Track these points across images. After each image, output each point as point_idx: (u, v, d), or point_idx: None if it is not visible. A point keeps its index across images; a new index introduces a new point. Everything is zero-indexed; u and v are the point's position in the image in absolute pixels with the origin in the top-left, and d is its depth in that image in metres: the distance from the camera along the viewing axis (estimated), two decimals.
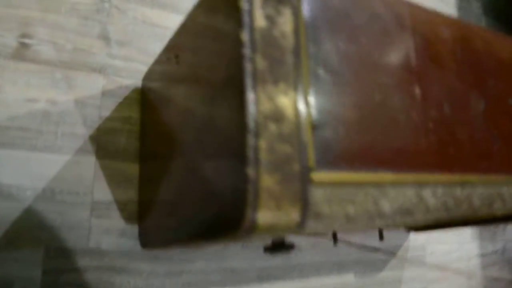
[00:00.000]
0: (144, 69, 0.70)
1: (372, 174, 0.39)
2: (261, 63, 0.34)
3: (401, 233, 0.89)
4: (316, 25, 0.38)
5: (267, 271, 0.74)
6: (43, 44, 0.64)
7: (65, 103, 0.64)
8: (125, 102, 0.68)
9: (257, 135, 0.33)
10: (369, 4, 0.41)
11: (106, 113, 0.66)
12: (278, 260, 0.76)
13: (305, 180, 0.35)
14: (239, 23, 0.34)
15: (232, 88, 0.34)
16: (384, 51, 0.41)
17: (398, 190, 0.42)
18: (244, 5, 0.34)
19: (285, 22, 0.36)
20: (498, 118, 0.49)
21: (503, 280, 1.04)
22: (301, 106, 0.35)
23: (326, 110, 0.37)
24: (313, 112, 0.36)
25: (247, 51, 0.33)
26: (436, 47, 0.45)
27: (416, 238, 0.91)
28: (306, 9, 0.38)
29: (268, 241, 0.65)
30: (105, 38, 0.69)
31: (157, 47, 0.73)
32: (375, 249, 0.79)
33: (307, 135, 0.35)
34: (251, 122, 0.32)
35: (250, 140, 0.32)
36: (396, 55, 0.42)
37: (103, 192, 0.64)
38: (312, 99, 0.36)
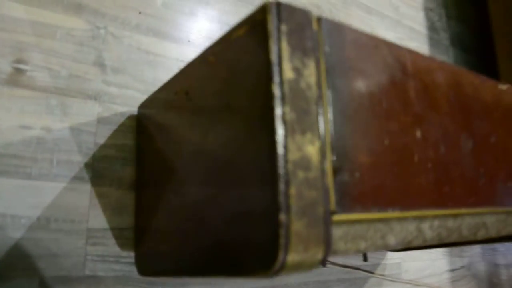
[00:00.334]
0: (138, 96, 0.71)
1: (382, 213, 0.42)
2: (290, 114, 0.36)
3: (380, 252, 0.94)
4: (334, 76, 0.41)
5: None
6: (38, 70, 0.64)
7: (60, 130, 0.64)
8: (120, 129, 0.68)
9: (287, 183, 0.35)
10: (379, 54, 0.45)
11: (102, 140, 0.66)
12: (265, 282, 0.78)
13: (327, 222, 0.37)
14: (269, 76, 0.36)
15: (262, 137, 0.36)
16: (391, 98, 0.45)
17: (402, 225, 0.45)
18: (274, 58, 0.37)
19: (310, 74, 0.38)
20: (483, 156, 0.54)
21: None
22: (325, 154, 0.38)
23: (344, 156, 0.40)
24: (334, 158, 0.39)
25: (277, 103, 0.36)
26: (433, 92, 0.49)
27: (393, 257, 0.97)
28: (326, 61, 0.40)
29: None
30: (100, 64, 0.69)
31: (151, 74, 0.73)
32: (356, 268, 0.83)
33: (329, 181, 0.38)
34: (282, 171, 0.35)
35: (282, 187, 0.35)
36: (400, 101, 0.46)
37: (98, 220, 0.64)
38: (333, 146, 0.39)
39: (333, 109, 0.40)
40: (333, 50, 0.42)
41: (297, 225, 0.35)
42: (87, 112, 0.66)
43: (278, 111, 0.36)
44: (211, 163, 0.46)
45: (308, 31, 0.40)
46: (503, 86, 0.62)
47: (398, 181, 0.44)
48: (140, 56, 0.73)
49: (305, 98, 0.38)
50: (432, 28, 1.30)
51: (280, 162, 0.35)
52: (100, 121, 0.67)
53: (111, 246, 0.64)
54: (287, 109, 0.36)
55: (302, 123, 0.37)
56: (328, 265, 0.75)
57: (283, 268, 0.35)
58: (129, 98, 0.70)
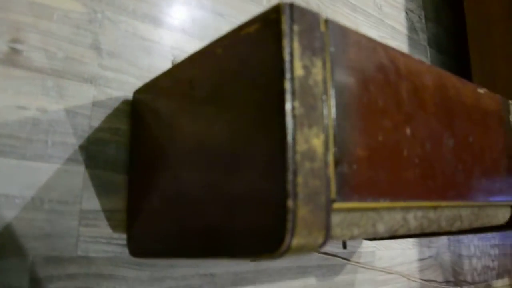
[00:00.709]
0: (133, 81, 0.72)
1: (375, 202, 0.46)
2: (299, 109, 0.39)
3: (355, 241, 0.99)
4: (337, 75, 0.44)
5: (240, 276, 0.79)
6: (35, 51, 0.63)
7: (56, 111, 0.64)
8: (115, 113, 0.69)
9: (295, 172, 0.38)
10: (377, 56, 0.48)
11: (96, 123, 0.67)
12: (250, 265, 0.81)
13: (328, 209, 0.40)
14: (282, 72, 0.39)
15: (273, 129, 0.39)
16: (386, 97, 0.49)
17: (391, 215, 0.49)
18: (286, 56, 0.39)
19: (317, 72, 0.41)
20: (462, 154, 0.58)
21: (436, 281, 1.20)
22: (328, 146, 0.41)
23: (344, 149, 0.43)
24: (335, 151, 0.42)
25: (288, 98, 0.38)
26: (422, 93, 0.53)
27: (368, 245, 1.02)
28: (331, 60, 0.43)
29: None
30: (96, 48, 0.69)
31: (146, 61, 0.74)
32: (334, 255, 0.88)
33: (331, 171, 0.41)
34: (291, 161, 0.38)
35: (290, 176, 0.37)
36: (394, 100, 0.50)
37: (91, 202, 0.65)
38: (335, 140, 0.42)
39: (335, 105, 0.43)
40: (338, 51, 0.45)
41: (303, 211, 0.38)
42: (82, 95, 0.67)
43: (289, 105, 0.38)
44: (215, 150, 0.48)
45: (317, 32, 0.42)
46: (481, 90, 0.67)
47: (389, 174, 0.48)
48: (136, 42, 0.74)
49: (312, 94, 0.40)
50: (412, 28, 1.36)
51: (290, 153, 0.38)
52: (95, 104, 0.68)
53: (103, 228, 0.66)
54: (297, 104, 0.39)
55: (309, 117, 0.40)
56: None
57: (288, 251, 0.38)
58: (124, 83, 0.71)
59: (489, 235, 1.48)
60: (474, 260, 1.38)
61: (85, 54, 0.68)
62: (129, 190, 0.68)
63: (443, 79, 0.57)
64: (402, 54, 0.53)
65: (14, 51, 0.62)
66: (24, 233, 0.59)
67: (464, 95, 0.60)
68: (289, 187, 0.37)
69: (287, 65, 0.39)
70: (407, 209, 0.50)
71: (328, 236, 0.41)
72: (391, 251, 1.09)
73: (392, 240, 1.09)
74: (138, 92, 0.69)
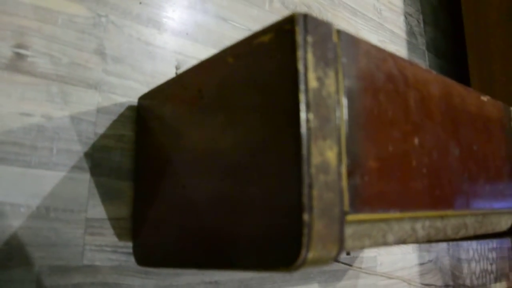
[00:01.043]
0: (137, 87, 0.71)
1: (385, 213, 0.46)
2: (314, 121, 0.39)
3: None
4: (348, 85, 0.44)
5: (245, 283, 0.79)
6: (39, 56, 0.63)
7: (61, 118, 0.63)
8: (120, 119, 0.69)
9: (310, 185, 0.38)
10: (386, 66, 0.48)
11: (101, 130, 0.67)
12: (254, 272, 0.81)
13: (342, 222, 0.41)
14: (296, 84, 0.39)
15: (288, 142, 0.39)
16: (395, 107, 0.49)
17: (400, 225, 0.49)
18: (301, 67, 0.39)
19: (330, 83, 0.41)
20: (467, 162, 0.59)
21: (436, 285, 1.20)
22: (341, 159, 0.41)
23: (356, 161, 0.43)
24: (348, 163, 0.42)
25: (303, 110, 0.38)
26: (429, 102, 0.53)
27: (369, 251, 1.02)
28: (343, 71, 0.43)
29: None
30: (101, 53, 0.69)
31: (150, 66, 0.74)
32: (336, 261, 0.88)
33: (344, 183, 0.41)
34: (306, 174, 0.38)
35: (305, 189, 0.37)
36: (402, 110, 0.50)
37: (97, 210, 0.65)
38: (347, 152, 0.42)
39: (348, 116, 0.43)
40: (349, 61, 0.45)
41: (318, 225, 0.38)
42: (87, 101, 0.66)
43: (303, 117, 0.38)
44: (225, 160, 0.48)
45: (329, 43, 0.42)
46: (484, 98, 0.68)
47: (399, 184, 0.48)
48: (140, 47, 0.73)
49: (326, 106, 0.41)
50: (410, 32, 1.37)
51: (305, 167, 0.38)
52: (100, 110, 0.67)
53: (109, 236, 0.65)
54: (311, 116, 0.39)
55: (323, 129, 0.40)
56: None
57: (304, 264, 0.38)
58: (128, 88, 0.70)
59: None
60: (473, 264, 1.39)
61: (90, 60, 0.67)
62: (135, 197, 0.67)
63: (449, 87, 0.57)
64: (410, 63, 0.53)
65: (19, 56, 0.61)
66: (30, 242, 0.59)
67: (468, 103, 0.60)
68: (305, 200, 0.37)
69: (301, 77, 0.39)
70: (415, 219, 0.51)
71: (341, 248, 0.41)
72: (392, 256, 1.10)
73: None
74: (143, 98, 0.69)
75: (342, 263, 0.90)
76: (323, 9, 1.09)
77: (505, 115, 0.75)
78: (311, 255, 0.38)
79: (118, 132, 0.68)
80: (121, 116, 0.69)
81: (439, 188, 0.53)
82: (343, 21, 1.14)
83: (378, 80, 0.47)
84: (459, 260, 1.34)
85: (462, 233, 0.60)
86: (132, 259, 0.66)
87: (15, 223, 0.58)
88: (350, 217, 0.42)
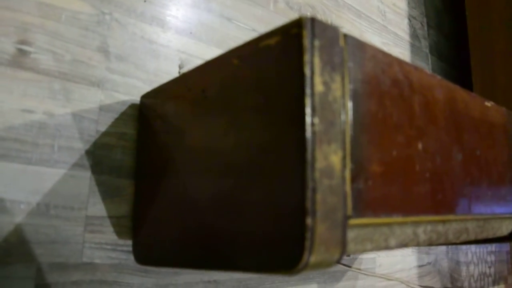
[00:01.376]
0: (140, 85, 0.71)
1: (388, 218, 0.46)
2: (319, 125, 0.39)
3: None
4: (354, 90, 0.44)
5: (244, 282, 0.79)
6: (42, 53, 0.63)
7: (63, 115, 0.63)
8: (122, 118, 0.68)
9: (314, 189, 0.38)
10: (392, 71, 0.48)
11: (103, 128, 0.66)
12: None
13: (344, 226, 0.40)
14: (302, 88, 0.39)
15: (292, 145, 0.39)
16: (400, 112, 0.49)
17: (402, 229, 0.49)
18: (307, 72, 0.39)
19: (337, 88, 0.41)
20: (470, 167, 0.59)
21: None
22: (345, 163, 0.41)
23: (360, 165, 0.43)
24: (352, 167, 0.42)
25: (309, 114, 0.38)
26: (433, 107, 0.53)
27: (368, 252, 1.03)
28: (349, 76, 0.43)
29: None
30: (104, 51, 0.68)
31: (153, 64, 0.74)
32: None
33: (347, 188, 0.41)
34: (310, 178, 0.37)
35: (309, 193, 0.37)
36: (407, 115, 0.50)
37: (97, 207, 0.64)
38: (351, 156, 0.42)
39: (352, 121, 0.43)
40: (355, 66, 0.44)
41: (321, 229, 0.38)
42: (89, 99, 0.66)
43: (309, 122, 0.38)
44: (228, 161, 0.48)
45: (336, 47, 0.42)
46: (488, 103, 0.68)
47: (402, 189, 0.48)
48: (144, 45, 0.73)
49: (332, 111, 0.40)
50: (414, 35, 1.36)
51: (309, 171, 0.37)
52: (102, 108, 0.67)
53: (109, 234, 0.65)
54: (317, 120, 0.39)
55: (328, 134, 0.40)
56: None
57: (306, 268, 0.38)
58: (131, 86, 0.70)
59: None
60: (471, 267, 1.40)
61: (93, 57, 0.67)
62: (135, 196, 0.67)
63: (453, 92, 0.57)
64: (415, 67, 0.53)
65: (21, 52, 0.61)
66: (29, 239, 0.59)
67: (472, 109, 0.60)
68: (308, 204, 0.37)
69: (307, 81, 0.39)
70: (417, 223, 0.51)
71: (344, 252, 0.41)
72: (391, 258, 1.10)
73: None
74: (146, 96, 0.68)
75: (342, 264, 0.90)
76: (328, 10, 1.09)
77: (508, 120, 0.74)
78: (313, 258, 0.38)
79: (120, 130, 0.68)
80: (123, 114, 0.69)
81: (442, 192, 0.53)
82: (347, 22, 1.14)
83: (383, 84, 0.47)
84: (457, 262, 1.35)
85: (463, 237, 0.60)
86: (131, 257, 0.66)
87: (15, 219, 0.58)
88: (352, 221, 0.42)
